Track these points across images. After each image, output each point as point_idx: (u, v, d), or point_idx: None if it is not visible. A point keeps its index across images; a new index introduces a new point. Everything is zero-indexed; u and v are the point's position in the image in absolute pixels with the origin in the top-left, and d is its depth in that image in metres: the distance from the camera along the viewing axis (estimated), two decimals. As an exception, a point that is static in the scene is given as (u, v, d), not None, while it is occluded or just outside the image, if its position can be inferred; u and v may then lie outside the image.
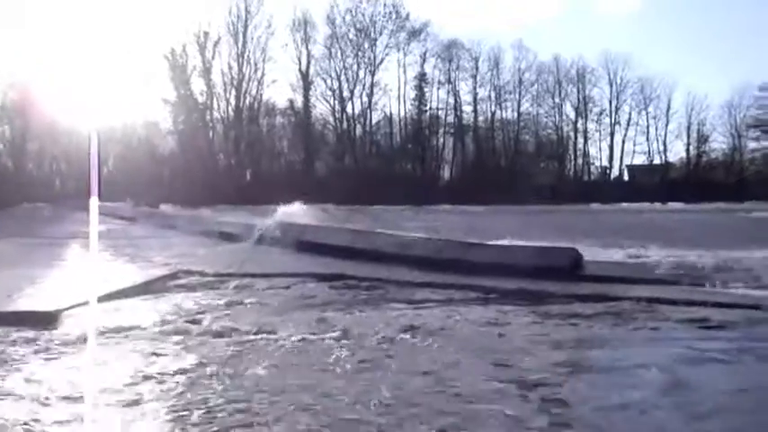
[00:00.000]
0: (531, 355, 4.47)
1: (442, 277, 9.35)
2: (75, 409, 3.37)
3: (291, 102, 62.62)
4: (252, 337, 4.98)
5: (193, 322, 5.57)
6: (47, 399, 3.55)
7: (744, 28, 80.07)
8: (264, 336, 5.00)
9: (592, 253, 12.00)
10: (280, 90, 75.03)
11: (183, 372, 4.04)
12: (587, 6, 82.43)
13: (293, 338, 4.89)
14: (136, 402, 3.49)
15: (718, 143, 65.11)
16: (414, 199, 49.60)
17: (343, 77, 62.96)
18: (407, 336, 5.02)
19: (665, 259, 11.07)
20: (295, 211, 18.18)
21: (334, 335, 5.02)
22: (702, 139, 64.56)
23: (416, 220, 21.33)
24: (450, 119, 65.76)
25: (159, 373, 4.00)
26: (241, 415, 3.29)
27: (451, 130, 65.94)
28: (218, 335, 5.05)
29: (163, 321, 5.60)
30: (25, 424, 3.17)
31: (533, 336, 5.10)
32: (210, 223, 20.18)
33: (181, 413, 3.31)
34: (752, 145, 63.07)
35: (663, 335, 5.27)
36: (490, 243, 11.64)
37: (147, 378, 3.92)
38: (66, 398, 3.57)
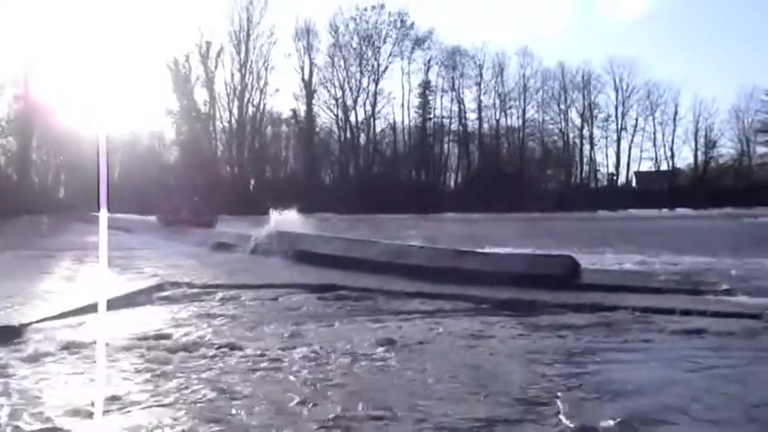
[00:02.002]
0: (507, 374, 4.19)
1: (435, 287, 9.12)
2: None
3: (294, 111, 62.67)
4: (214, 352, 4.74)
5: (161, 337, 5.32)
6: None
7: (750, 32, 79.82)
8: (228, 351, 4.75)
9: (591, 261, 11.79)
10: (283, 99, 75.20)
11: (113, 399, 3.74)
12: (592, 13, 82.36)
13: (257, 354, 4.64)
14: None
15: (726, 148, 64.81)
16: (418, 207, 49.39)
17: (346, 86, 63.03)
18: (381, 350, 4.76)
19: (666, 267, 10.86)
20: (294, 220, 18.01)
21: (303, 351, 4.77)
22: (710, 144, 64.21)
23: (417, 228, 21.07)
24: (455, 126, 65.67)
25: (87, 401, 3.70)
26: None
27: (456, 138, 65.78)
28: (181, 350, 4.80)
29: (128, 336, 5.34)
30: None
31: (514, 351, 4.82)
32: (206, 233, 20.00)
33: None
34: (760, 150, 62.76)
35: (654, 347, 4.99)
36: (485, 251, 11.39)
37: (73, 408, 3.60)
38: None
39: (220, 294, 8.46)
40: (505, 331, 5.64)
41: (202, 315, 6.78)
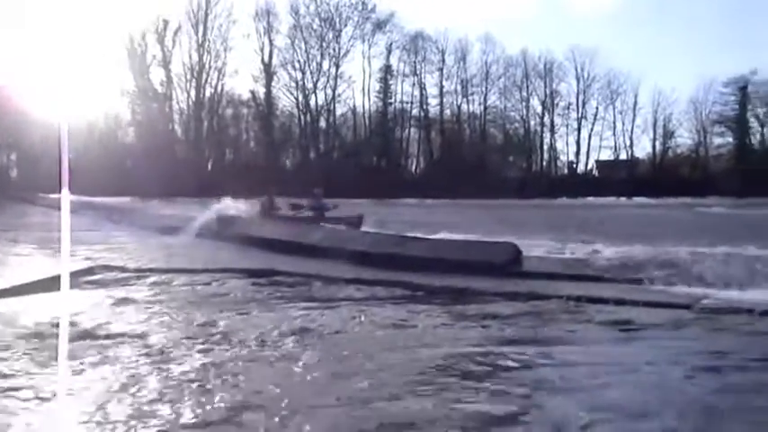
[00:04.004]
0: (395, 366, 3.99)
1: (375, 273, 8.97)
2: None
3: (253, 93, 61.71)
4: (110, 342, 4.47)
5: (69, 325, 5.03)
6: None
7: (709, 25, 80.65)
8: (127, 340, 4.50)
9: (538, 247, 11.71)
10: (242, 81, 73.97)
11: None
12: (555, 1, 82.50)
13: (155, 345, 4.40)
14: None
15: (684, 139, 65.54)
16: (379, 192, 49.15)
17: (306, 69, 62.27)
18: (289, 340, 4.55)
19: (611, 255, 10.76)
20: (247, 204, 17.69)
21: (205, 339, 4.54)
22: (668, 134, 64.92)
23: (373, 213, 20.82)
24: (416, 112, 65.35)
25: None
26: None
27: (417, 124, 65.60)
28: (80, 338, 4.53)
29: (30, 323, 5.06)
30: None
31: (427, 341, 4.63)
32: (155, 216, 19.59)
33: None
34: (717, 141, 63.66)
35: (575, 338, 4.85)
36: (429, 237, 11.25)
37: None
38: None
39: (152, 279, 8.20)
40: (429, 320, 5.47)
41: (123, 300, 6.53)
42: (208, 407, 3.24)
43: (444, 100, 66.20)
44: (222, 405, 3.27)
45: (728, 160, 61.81)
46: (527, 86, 66.72)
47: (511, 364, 4.08)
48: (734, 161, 60.39)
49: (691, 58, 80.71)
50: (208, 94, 60.07)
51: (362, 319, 5.46)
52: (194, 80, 59.32)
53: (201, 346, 4.39)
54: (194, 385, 3.60)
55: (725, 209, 35.54)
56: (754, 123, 60.17)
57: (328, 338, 4.66)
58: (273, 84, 61.81)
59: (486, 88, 66.38)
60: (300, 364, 4.00)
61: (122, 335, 4.68)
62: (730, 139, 61.85)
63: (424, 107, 65.94)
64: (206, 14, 59.54)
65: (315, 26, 63.02)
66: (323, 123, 63.35)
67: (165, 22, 58.30)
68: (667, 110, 63.82)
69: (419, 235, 11.73)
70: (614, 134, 66.35)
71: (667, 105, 63.59)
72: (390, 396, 3.40)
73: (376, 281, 8.24)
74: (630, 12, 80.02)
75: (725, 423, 3.21)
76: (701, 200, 49.54)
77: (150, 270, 8.98)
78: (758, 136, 60.47)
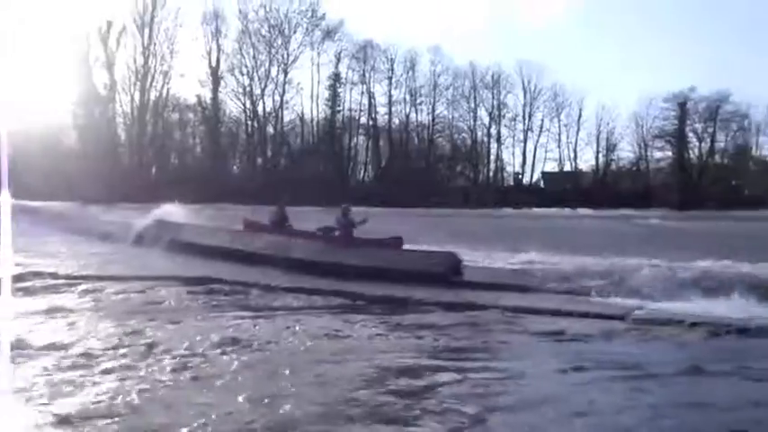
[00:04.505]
0: (335, 384, 3.90)
1: (315, 282, 8.89)
2: None
3: (200, 98, 60.68)
4: (31, 352, 4.28)
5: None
6: None
7: (650, 43, 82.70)
8: (45, 352, 4.32)
9: (480, 258, 11.77)
10: (188, 86, 72.76)
11: None
12: (504, 16, 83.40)
13: (75, 355, 4.23)
14: None
15: (626, 152, 66.91)
16: (326, 201, 48.91)
17: (254, 75, 61.58)
18: (215, 352, 4.43)
19: (551, 266, 10.86)
20: (189, 211, 17.32)
21: (127, 352, 4.39)
22: (611, 147, 66.20)
23: (319, 221, 20.59)
24: (365, 120, 65.25)
25: None
26: None
27: (365, 132, 65.55)
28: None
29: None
30: None
31: (364, 353, 4.57)
32: (94, 221, 19.07)
33: None
34: (657, 155, 65.21)
35: (503, 349, 4.85)
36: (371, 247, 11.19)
37: None
38: None
39: (83, 286, 7.95)
40: (365, 330, 5.42)
41: (51, 309, 6.29)
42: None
43: (393, 109, 66.32)
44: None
45: (668, 174, 63.30)
46: (475, 97, 67.25)
47: (442, 378, 4.02)
48: (673, 174, 61.93)
49: (633, 74, 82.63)
50: (152, 97, 58.86)
51: (297, 329, 5.37)
52: (139, 83, 57.96)
53: (123, 363, 4.20)
54: (113, 398, 3.46)
55: (661, 221, 36.36)
56: (692, 138, 61.77)
57: (258, 351, 4.55)
58: (220, 89, 60.82)
59: (435, 98, 66.68)
60: (219, 384, 3.85)
61: (42, 347, 4.49)
62: (670, 153, 63.37)
63: (373, 116, 65.92)
64: (152, 17, 58.32)
65: (263, 32, 62.34)
66: (270, 130, 62.73)
67: (110, 24, 56.91)
68: (610, 124, 64.98)
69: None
70: (559, 146, 67.30)
71: (610, 120, 64.79)
72: (317, 419, 3.28)
73: (315, 290, 8.17)
74: (577, 28, 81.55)
75: None
76: (641, 211, 50.63)
77: (83, 277, 8.74)
78: (696, 150, 62.06)
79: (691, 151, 62.15)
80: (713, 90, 58.40)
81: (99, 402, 3.48)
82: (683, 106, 60.64)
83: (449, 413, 3.33)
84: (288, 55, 62.50)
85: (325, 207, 43.73)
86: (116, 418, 3.21)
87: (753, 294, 7.21)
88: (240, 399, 3.61)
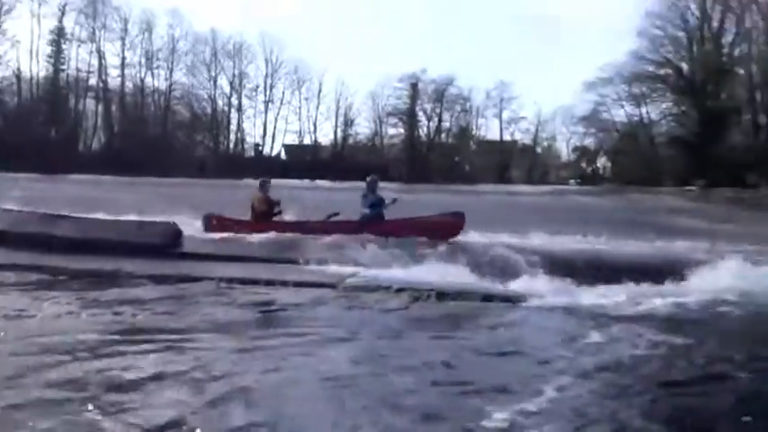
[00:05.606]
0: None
1: (10, 256, 8.02)
2: None
3: None
4: None
5: None
6: None
7: (390, 25, 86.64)
8: None
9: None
10: None
11: None
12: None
13: None
14: None
15: (363, 128, 69.73)
16: (48, 167, 44.76)
17: (-39, 24, 54.49)
18: None
19: (273, 235, 10.73)
20: None
21: None
22: (349, 122, 68.66)
23: (28, 189, 18.71)
24: (94, 82, 60.77)
25: None
26: None
27: (95, 95, 61.05)
28: None
29: None
30: None
31: (44, 334, 4.10)
32: None
33: None
34: (391, 131, 68.84)
35: (208, 323, 4.67)
36: (83, 216, 10.35)
37: None
38: None
39: None
40: (54, 308, 4.92)
41: None
42: None
43: (126, 72, 62.48)
44: None
45: (401, 149, 67.14)
46: (215, 65, 65.77)
47: (115, 363, 3.68)
48: (405, 150, 65.89)
49: (372, 54, 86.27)
50: None
51: (-31, 309, 4.72)
52: None
53: None
54: None
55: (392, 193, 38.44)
56: (422, 117, 66.02)
57: None
58: None
59: (173, 63, 64.01)
60: None
61: None
62: (402, 131, 67.15)
63: (104, 77, 61.56)
64: None
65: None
66: (-19, 87, 56.00)
67: None
68: (349, 99, 67.47)
69: (72, 214, 10.69)
70: (300, 119, 68.47)
71: (349, 96, 67.22)
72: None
73: (8, 265, 7.37)
74: (321, 4, 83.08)
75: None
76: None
77: None
78: (425, 129, 66.42)
79: (420, 129, 66.56)
80: (441, 74, 62.82)
81: None
82: (414, 87, 64.67)
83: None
84: (2, 3, 56.00)
85: (46, 174, 40.13)
86: None
87: (448, 259, 7.74)
88: None
